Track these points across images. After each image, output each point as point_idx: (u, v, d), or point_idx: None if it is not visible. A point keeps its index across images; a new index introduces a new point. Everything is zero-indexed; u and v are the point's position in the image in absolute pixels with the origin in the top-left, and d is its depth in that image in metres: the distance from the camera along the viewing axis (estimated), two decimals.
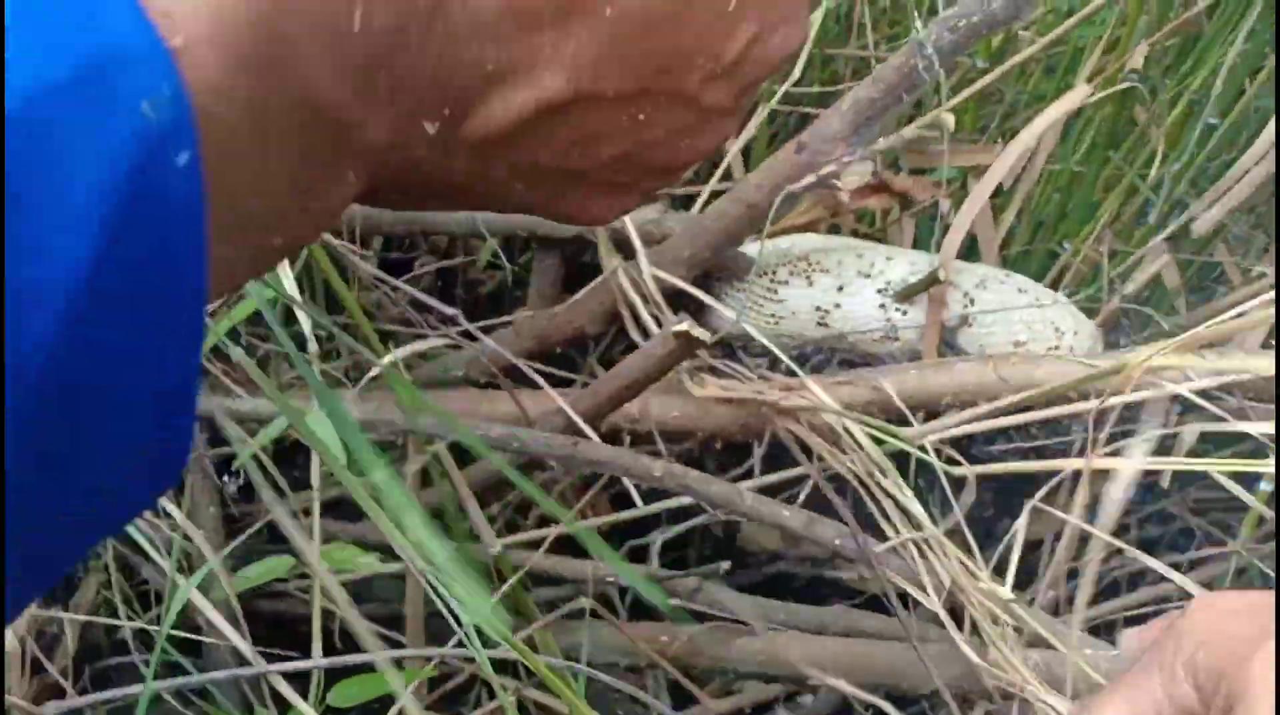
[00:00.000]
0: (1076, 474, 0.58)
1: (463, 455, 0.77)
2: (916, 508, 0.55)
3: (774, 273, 0.75)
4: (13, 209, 0.18)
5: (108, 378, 0.20)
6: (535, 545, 0.69)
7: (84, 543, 0.24)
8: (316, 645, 0.59)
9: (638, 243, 0.69)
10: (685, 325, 0.59)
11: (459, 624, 0.56)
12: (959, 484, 0.66)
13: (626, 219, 0.72)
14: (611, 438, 0.74)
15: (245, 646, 0.57)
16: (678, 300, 0.74)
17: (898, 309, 0.74)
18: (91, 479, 0.21)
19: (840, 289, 0.75)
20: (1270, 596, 0.41)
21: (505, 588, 0.62)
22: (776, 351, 0.62)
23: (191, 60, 0.20)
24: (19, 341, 0.18)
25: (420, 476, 0.65)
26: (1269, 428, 0.62)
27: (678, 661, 0.67)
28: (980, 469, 0.58)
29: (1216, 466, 0.55)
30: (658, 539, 0.79)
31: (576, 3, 0.24)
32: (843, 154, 0.68)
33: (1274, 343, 0.58)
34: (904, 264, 0.75)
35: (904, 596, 0.60)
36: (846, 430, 0.62)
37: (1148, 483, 1.03)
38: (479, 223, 0.76)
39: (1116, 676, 0.43)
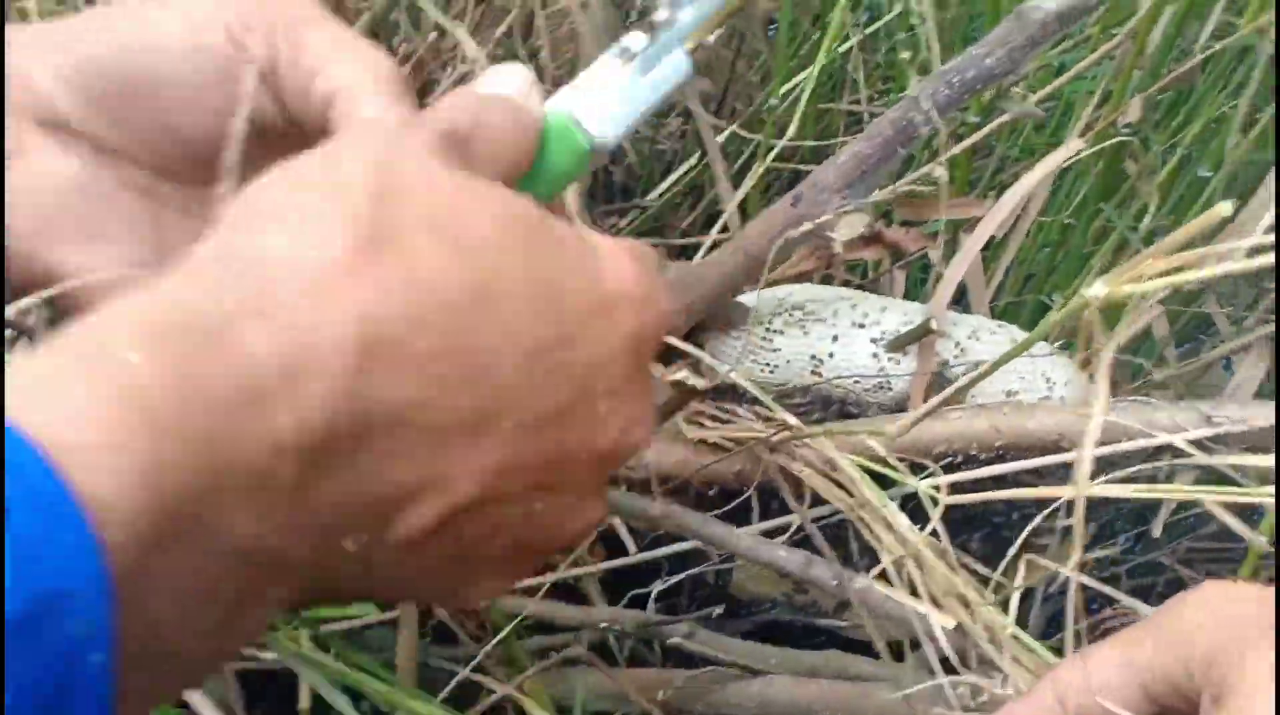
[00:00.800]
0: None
1: None
2: (914, 535, 0.55)
3: (769, 322, 0.76)
4: None
5: None
6: (531, 592, 0.69)
7: None
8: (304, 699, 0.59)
9: None
10: (681, 374, 0.60)
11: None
12: (954, 528, 0.67)
13: None
14: (609, 484, 0.74)
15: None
16: (672, 351, 0.75)
17: (891, 358, 0.75)
18: None
19: (835, 338, 0.76)
20: (1271, 592, 0.41)
21: (499, 638, 0.62)
22: (764, 399, 0.63)
23: (119, 541, 0.22)
24: None
25: None
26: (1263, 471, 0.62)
27: (671, 707, 0.67)
28: (975, 497, 0.58)
29: (1211, 495, 0.56)
30: (656, 586, 0.80)
31: (483, 421, 0.28)
32: (837, 206, 0.69)
33: (1274, 382, 0.58)
34: (898, 314, 0.76)
35: (912, 642, 0.61)
36: (840, 471, 0.63)
37: (1139, 532, 1.03)
38: None
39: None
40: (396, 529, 0.28)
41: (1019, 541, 0.52)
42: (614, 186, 1.27)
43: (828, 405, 0.78)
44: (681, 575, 0.79)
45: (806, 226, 0.70)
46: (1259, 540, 0.59)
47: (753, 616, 0.84)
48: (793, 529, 0.66)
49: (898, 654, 0.65)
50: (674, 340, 0.73)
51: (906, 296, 0.93)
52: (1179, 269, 0.43)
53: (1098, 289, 0.40)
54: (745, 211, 0.89)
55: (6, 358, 0.22)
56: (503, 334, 0.29)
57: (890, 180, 0.91)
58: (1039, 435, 0.66)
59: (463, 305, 0.28)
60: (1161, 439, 0.63)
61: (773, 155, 0.82)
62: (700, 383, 0.60)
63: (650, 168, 1.15)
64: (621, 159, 1.23)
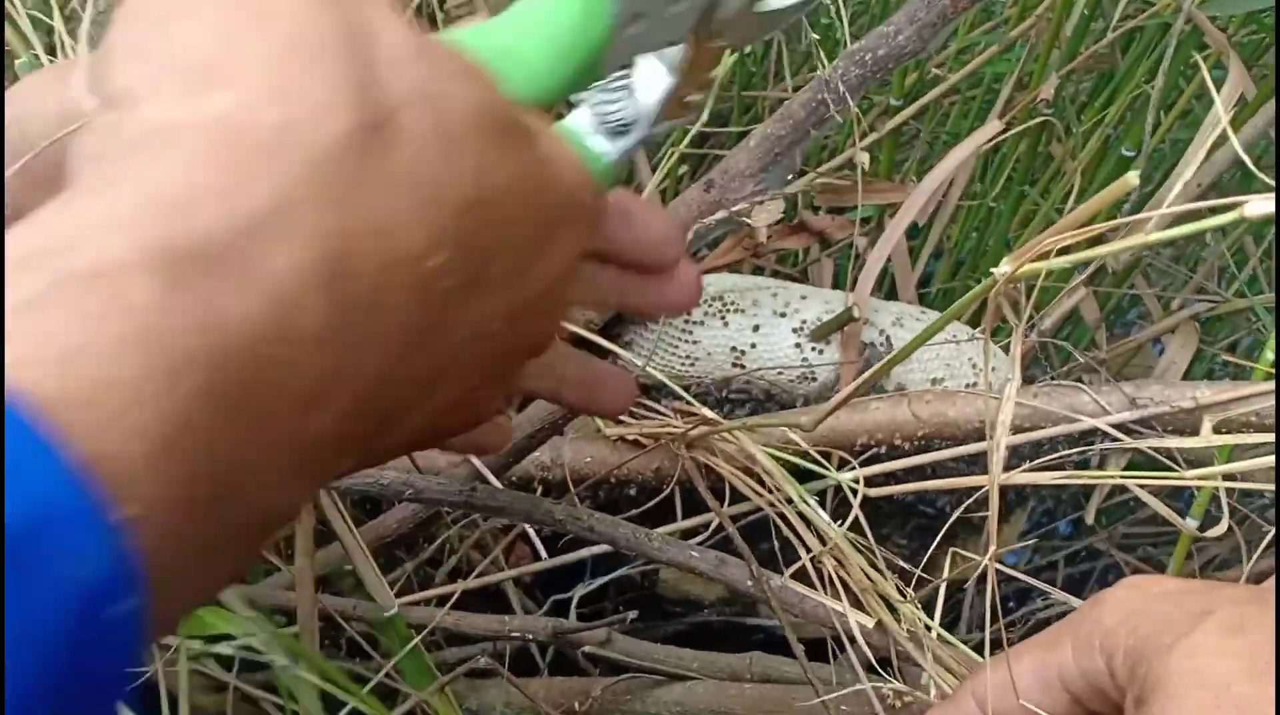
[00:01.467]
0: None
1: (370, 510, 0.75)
2: (833, 531, 0.53)
3: (688, 313, 0.74)
4: None
5: None
6: (444, 601, 0.66)
7: None
8: None
9: None
10: None
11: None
12: (882, 522, 0.64)
13: None
14: (524, 487, 0.71)
15: None
16: (588, 344, 0.73)
17: (814, 348, 0.72)
18: None
19: (756, 329, 0.73)
20: (1202, 585, 0.39)
21: (404, 652, 0.59)
22: (679, 392, 0.60)
23: (131, 493, 0.20)
24: None
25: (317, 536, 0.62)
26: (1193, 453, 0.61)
27: None
28: (895, 489, 0.56)
29: (1135, 479, 0.54)
30: (579, 591, 0.77)
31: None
32: (752, 191, 0.67)
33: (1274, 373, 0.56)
34: (819, 303, 0.73)
35: (836, 639, 0.58)
36: (762, 468, 0.60)
37: (1075, 518, 1.02)
38: None
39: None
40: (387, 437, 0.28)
41: (940, 534, 0.50)
42: None
43: (758, 398, 0.76)
44: (606, 578, 0.76)
45: (721, 214, 0.68)
46: (1188, 525, 0.58)
47: (684, 618, 0.81)
48: (713, 527, 0.63)
49: (823, 654, 0.63)
50: (589, 335, 0.70)
51: (836, 285, 0.91)
52: (1088, 244, 0.40)
53: (1004, 267, 0.38)
54: (667, 200, 0.87)
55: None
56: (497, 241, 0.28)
57: (812, 167, 0.89)
58: (961, 423, 0.65)
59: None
60: (1085, 423, 0.61)
61: (687, 140, 0.79)
62: None
63: None
64: None
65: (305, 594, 0.57)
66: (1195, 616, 0.36)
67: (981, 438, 0.64)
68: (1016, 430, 0.63)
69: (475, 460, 0.62)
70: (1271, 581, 0.39)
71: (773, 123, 0.67)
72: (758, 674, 0.62)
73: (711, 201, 0.68)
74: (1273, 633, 0.34)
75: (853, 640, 0.52)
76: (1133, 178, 0.40)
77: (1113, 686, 0.38)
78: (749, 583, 0.54)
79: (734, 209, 0.68)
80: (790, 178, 0.69)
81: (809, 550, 0.54)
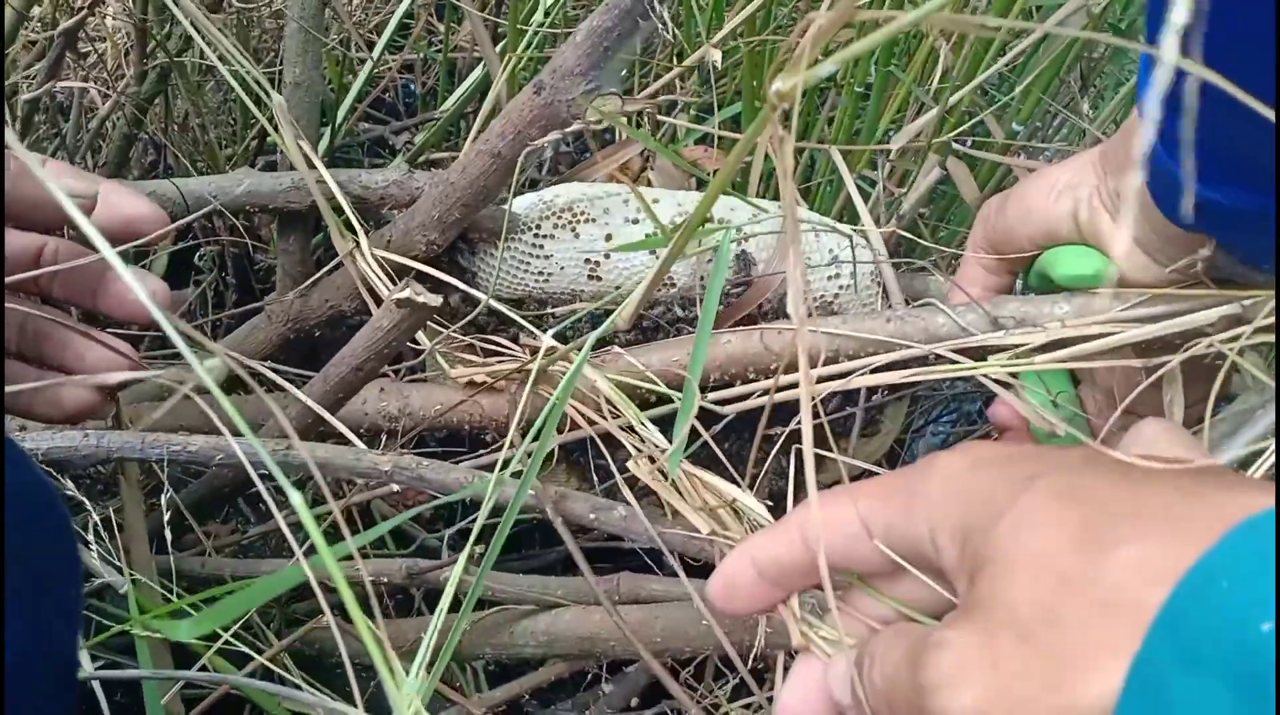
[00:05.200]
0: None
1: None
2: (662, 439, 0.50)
3: (538, 227, 0.70)
4: None
5: None
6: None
7: None
8: None
9: (354, 213, 0.63)
10: (408, 292, 0.53)
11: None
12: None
13: (359, 182, 0.66)
14: (371, 439, 0.68)
15: None
16: (434, 267, 0.69)
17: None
18: None
19: (609, 238, 0.70)
20: (1034, 450, 0.38)
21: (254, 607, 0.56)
22: (518, 319, 0.57)
23: None
24: None
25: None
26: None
27: (460, 653, 0.62)
28: (734, 407, 0.53)
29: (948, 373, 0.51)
30: (444, 532, 0.74)
31: None
32: (584, 90, 0.63)
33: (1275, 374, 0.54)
34: (671, 205, 0.70)
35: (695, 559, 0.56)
36: (607, 399, 0.57)
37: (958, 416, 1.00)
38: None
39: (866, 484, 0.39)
40: None
41: (756, 438, 0.48)
42: (412, 105, 1.19)
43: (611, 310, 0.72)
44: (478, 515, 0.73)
45: (554, 135, 0.64)
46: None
47: (557, 547, 0.79)
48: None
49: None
50: (426, 267, 0.66)
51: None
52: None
53: (780, 83, 0.32)
54: None
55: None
56: None
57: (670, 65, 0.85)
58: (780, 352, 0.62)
59: None
60: (935, 347, 0.59)
61: (525, 40, 0.75)
62: (432, 299, 0.53)
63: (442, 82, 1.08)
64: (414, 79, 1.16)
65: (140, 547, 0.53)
66: (1022, 483, 0.34)
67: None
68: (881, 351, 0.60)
69: (310, 403, 0.59)
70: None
71: (598, 14, 0.62)
72: (625, 595, 0.59)
73: (542, 104, 0.64)
74: (1111, 494, 0.32)
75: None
76: None
77: (934, 557, 0.36)
78: (591, 516, 0.51)
79: (570, 129, 0.64)
80: (624, 73, 0.65)
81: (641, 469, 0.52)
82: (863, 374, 0.49)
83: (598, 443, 0.57)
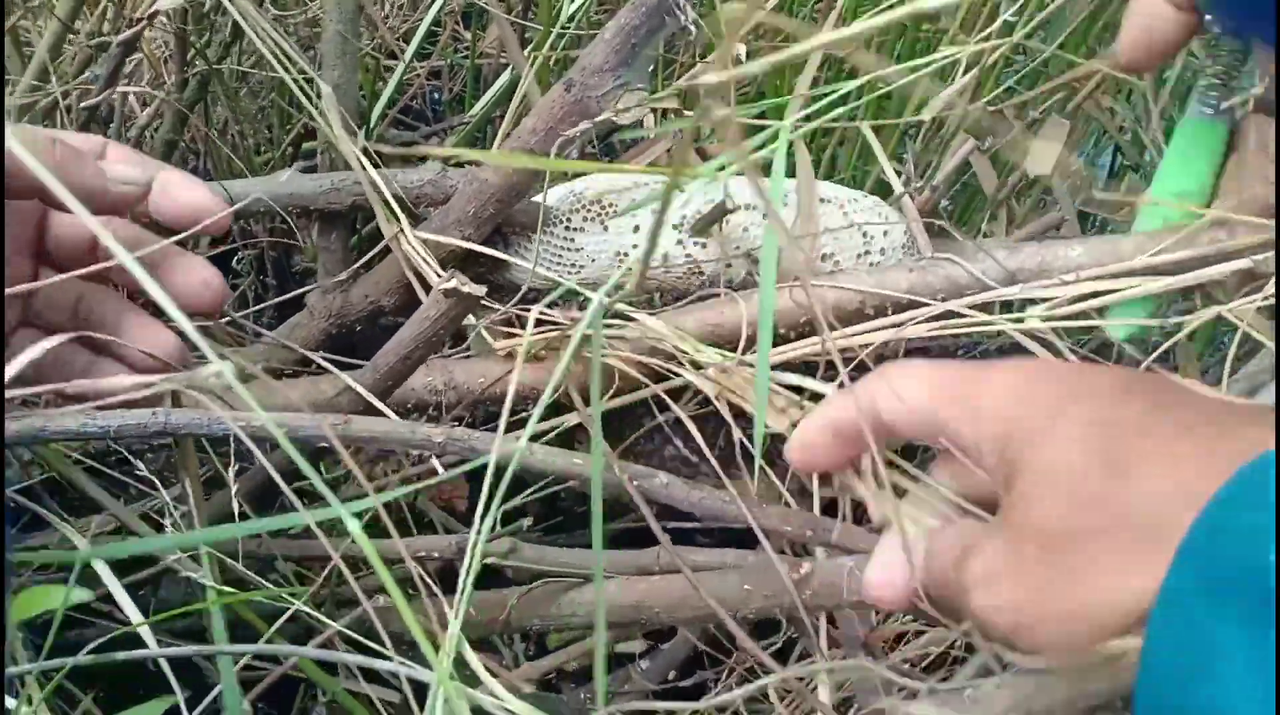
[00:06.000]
0: None
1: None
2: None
3: (568, 220, 0.72)
4: None
5: None
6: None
7: None
8: None
9: (396, 206, 0.66)
10: (454, 282, 0.56)
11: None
12: None
13: (396, 182, 0.68)
14: (418, 414, 0.71)
15: None
16: (474, 261, 0.71)
17: (696, 243, 0.72)
18: None
19: (636, 229, 0.72)
20: (1082, 369, 0.40)
21: (319, 583, 0.59)
22: (574, 286, 0.60)
23: None
24: None
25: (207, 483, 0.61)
26: None
27: (509, 625, 0.64)
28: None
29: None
30: (496, 510, 0.77)
31: None
32: (614, 86, 0.66)
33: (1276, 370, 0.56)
34: (699, 196, 0.72)
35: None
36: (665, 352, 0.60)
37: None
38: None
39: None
40: None
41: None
42: (439, 111, 1.22)
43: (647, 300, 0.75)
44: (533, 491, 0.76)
45: (585, 125, 0.66)
46: None
47: (611, 523, 0.82)
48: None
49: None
50: (474, 246, 0.69)
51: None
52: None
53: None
54: None
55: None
56: None
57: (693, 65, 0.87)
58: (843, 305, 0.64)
59: None
60: (949, 305, 0.61)
61: (551, 41, 0.78)
62: (477, 289, 0.56)
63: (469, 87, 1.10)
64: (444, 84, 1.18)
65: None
66: (1060, 407, 0.37)
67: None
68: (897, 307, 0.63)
69: (360, 389, 0.61)
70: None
71: (626, 11, 0.65)
72: (665, 565, 0.62)
73: (573, 101, 0.66)
74: (1140, 424, 0.35)
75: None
76: None
77: (979, 461, 0.39)
78: (635, 483, 0.53)
79: (598, 119, 0.67)
80: (651, 69, 0.68)
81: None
82: (885, 329, 0.52)
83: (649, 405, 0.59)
